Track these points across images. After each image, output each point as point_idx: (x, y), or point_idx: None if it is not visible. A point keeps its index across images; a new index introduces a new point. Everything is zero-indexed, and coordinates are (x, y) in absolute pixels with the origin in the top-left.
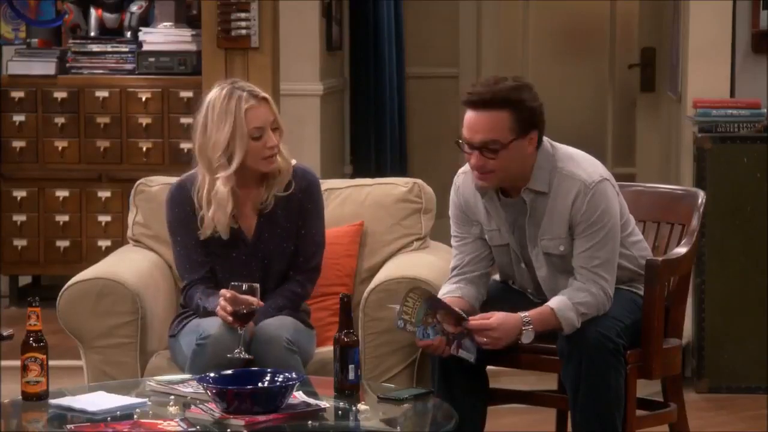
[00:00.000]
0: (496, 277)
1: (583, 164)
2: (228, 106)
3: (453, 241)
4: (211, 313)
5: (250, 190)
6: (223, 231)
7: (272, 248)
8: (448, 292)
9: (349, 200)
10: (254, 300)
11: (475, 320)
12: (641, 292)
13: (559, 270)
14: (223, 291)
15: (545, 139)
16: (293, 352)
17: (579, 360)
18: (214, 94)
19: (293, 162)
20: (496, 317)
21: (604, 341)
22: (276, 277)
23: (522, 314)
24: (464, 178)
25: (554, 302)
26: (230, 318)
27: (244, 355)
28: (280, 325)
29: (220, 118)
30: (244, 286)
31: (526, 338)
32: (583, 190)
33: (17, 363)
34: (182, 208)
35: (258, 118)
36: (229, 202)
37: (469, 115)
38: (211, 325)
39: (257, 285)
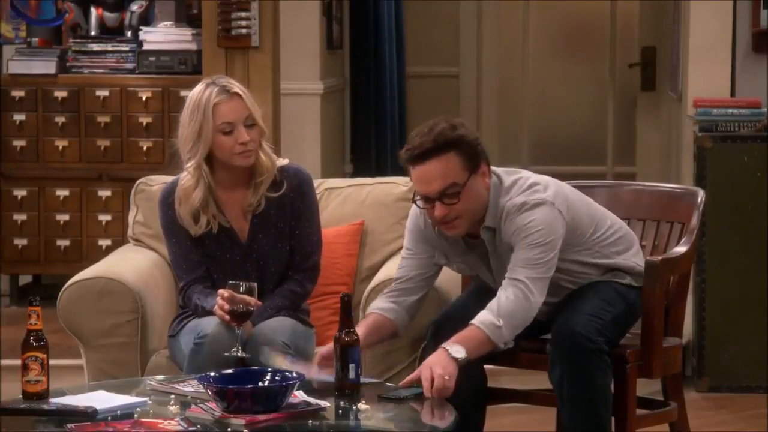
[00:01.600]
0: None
1: (521, 190)
2: (198, 104)
3: (404, 252)
4: (209, 313)
5: (237, 191)
6: (188, 225)
7: (267, 249)
8: (380, 308)
9: (349, 199)
10: (252, 299)
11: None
12: (624, 281)
13: None
14: (221, 291)
15: (494, 171)
16: (289, 355)
17: (562, 362)
18: (191, 93)
19: (285, 161)
20: (425, 372)
21: (584, 342)
22: (273, 277)
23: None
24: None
25: (474, 319)
26: (228, 317)
27: (241, 354)
28: (277, 328)
29: (192, 112)
30: (242, 286)
31: (457, 353)
32: (509, 214)
33: (17, 362)
34: (174, 209)
35: (227, 113)
36: (195, 196)
37: (418, 170)
38: (208, 324)
39: (255, 284)
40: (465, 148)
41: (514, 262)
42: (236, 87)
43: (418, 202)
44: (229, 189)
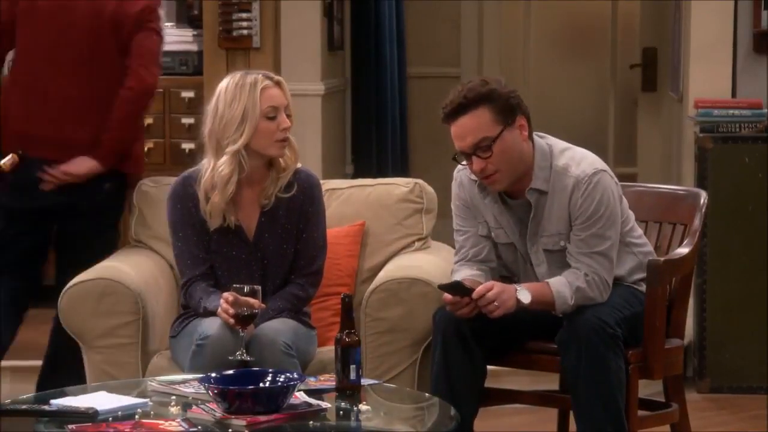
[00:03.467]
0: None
1: (577, 158)
2: (242, 87)
3: (456, 235)
4: (212, 313)
5: (254, 186)
6: (217, 215)
7: (272, 249)
8: (471, 274)
9: (350, 200)
10: (256, 302)
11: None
12: (642, 288)
13: (558, 266)
14: (225, 294)
15: (541, 135)
16: (291, 356)
17: (578, 345)
18: (226, 81)
19: (298, 164)
20: (493, 292)
21: (603, 325)
22: (276, 279)
23: (514, 285)
24: (465, 174)
25: (551, 279)
26: (232, 320)
27: (246, 357)
28: (278, 329)
29: (233, 97)
30: (246, 288)
31: (524, 298)
32: (577, 185)
33: (17, 363)
34: (185, 204)
35: (273, 98)
36: (231, 183)
37: (453, 127)
38: (210, 326)
39: (259, 287)
40: (496, 102)
41: (592, 245)
42: (275, 75)
43: (458, 158)
44: (245, 185)
